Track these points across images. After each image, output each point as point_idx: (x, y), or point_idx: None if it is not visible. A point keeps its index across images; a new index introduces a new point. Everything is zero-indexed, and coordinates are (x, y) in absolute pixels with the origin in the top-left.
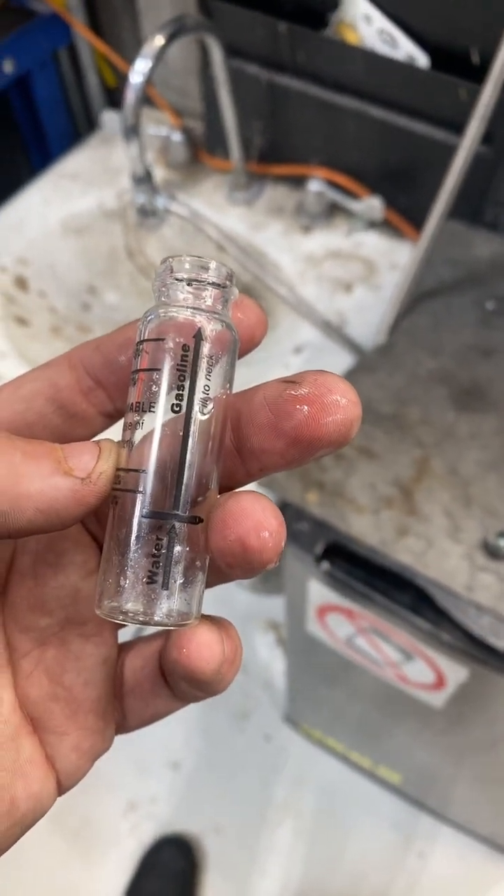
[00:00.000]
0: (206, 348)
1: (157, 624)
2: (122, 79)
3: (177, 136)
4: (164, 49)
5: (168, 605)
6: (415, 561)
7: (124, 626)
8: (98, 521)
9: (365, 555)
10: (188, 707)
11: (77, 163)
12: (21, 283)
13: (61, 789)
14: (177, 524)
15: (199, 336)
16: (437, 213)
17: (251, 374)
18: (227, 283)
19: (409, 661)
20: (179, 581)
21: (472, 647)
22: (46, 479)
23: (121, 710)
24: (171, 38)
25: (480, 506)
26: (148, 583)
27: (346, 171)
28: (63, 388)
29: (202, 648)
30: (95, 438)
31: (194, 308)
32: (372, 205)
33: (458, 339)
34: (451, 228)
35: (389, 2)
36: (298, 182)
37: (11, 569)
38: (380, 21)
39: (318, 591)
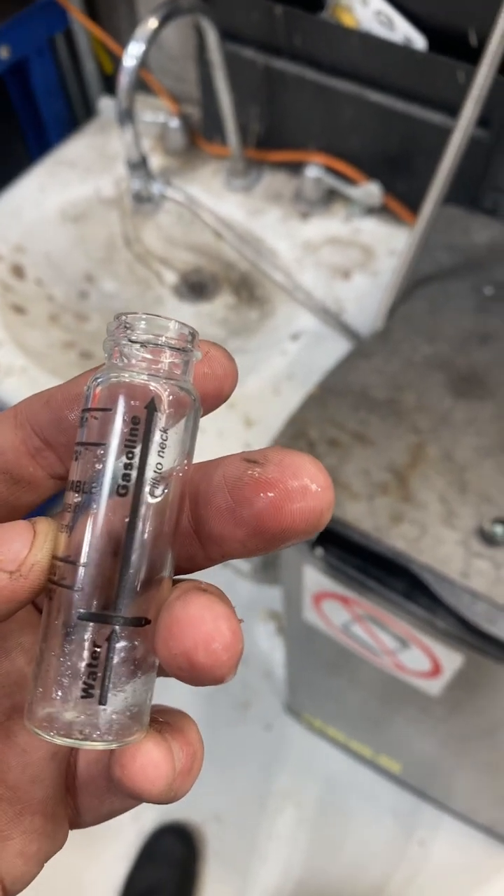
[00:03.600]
0: (160, 420)
1: (94, 743)
2: (120, 65)
3: (174, 123)
4: (157, 32)
5: (106, 721)
6: (409, 547)
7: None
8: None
9: (359, 541)
10: (189, 696)
11: (74, 150)
12: (18, 270)
13: (7, 895)
14: (117, 628)
15: (151, 406)
16: (433, 198)
17: (248, 362)
18: (188, 345)
19: (405, 648)
20: (120, 693)
21: (468, 634)
22: None
23: (74, 807)
24: (164, 21)
25: (476, 492)
26: (83, 696)
27: (343, 156)
28: (7, 450)
29: (147, 768)
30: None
31: (150, 374)
32: (370, 191)
33: (455, 325)
34: (449, 213)
35: None
36: (296, 168)
37: None
38: (376, 3)
39: (314, 578)
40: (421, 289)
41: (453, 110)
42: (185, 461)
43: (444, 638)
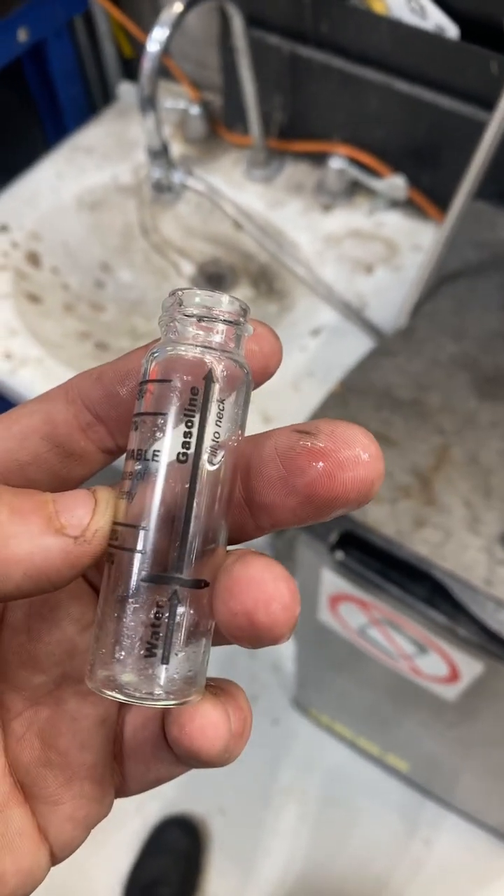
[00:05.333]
0: (216, 391)
1: (155, 701)
2: (140, 49)
3: (195, 110)
4: (182, 16)
5: (168, 680)
6: (432, 553)
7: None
8: (98, 570)
9: (381, 545)
10: None
11: (92, 136)
12: (33, 258)
13: (55, 861)
14: (179, 589)
15: (209, 378)
16: (463, 193)
17: None
18: (241, 319)
19: (423, 654)
20: (181, 653)
21: (489, 642)
22: (36, 540)
23: (120, 774)
24: (189, 6)
25: (501, 497)
26: (146, 655)
27: (368, 147)
28: (60, 424)
29: (206, 728)
30: (92, 485)
31: (205, 346)
32: (395, 184)
33: (482, 324)
34: (478, 209)
35: None
36: (319, 159)
37: (2, 623)
38: None
39: (332, 581)
40: (447, 286)
41: (484, 102)
42: (239, 431)
43: (464, 645)
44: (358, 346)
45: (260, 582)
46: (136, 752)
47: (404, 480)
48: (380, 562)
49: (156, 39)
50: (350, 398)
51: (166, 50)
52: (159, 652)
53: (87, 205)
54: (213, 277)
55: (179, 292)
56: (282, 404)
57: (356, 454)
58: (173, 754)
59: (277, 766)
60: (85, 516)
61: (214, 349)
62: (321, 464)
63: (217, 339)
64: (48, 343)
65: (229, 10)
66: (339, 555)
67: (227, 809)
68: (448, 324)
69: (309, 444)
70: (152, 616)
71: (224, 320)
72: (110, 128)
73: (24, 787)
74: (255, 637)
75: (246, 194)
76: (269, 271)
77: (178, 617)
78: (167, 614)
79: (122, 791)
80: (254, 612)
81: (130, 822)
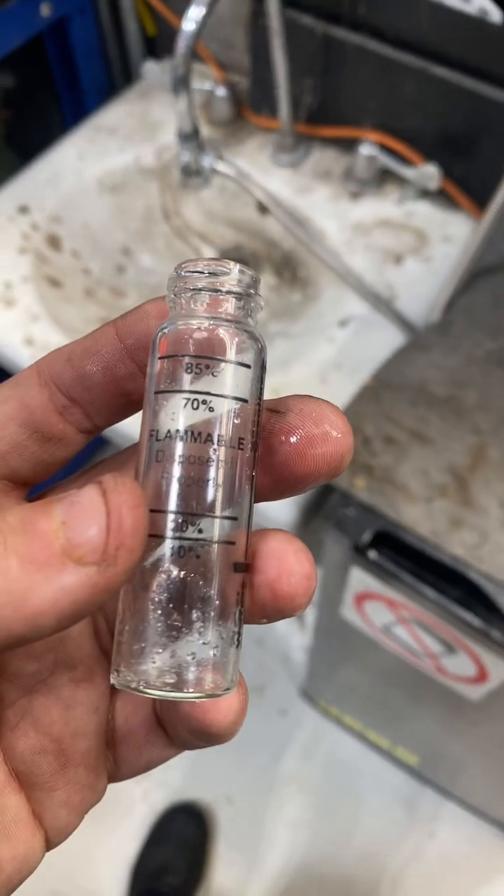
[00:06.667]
0: (229, 363)
1: (188, 694)
2: (163, 27)
3: (221, 92)
4: None
5: (202, 671)
6: (468, 554)
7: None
8: None
9: (416, 546)
10: None
11: (115, 116)
12: (54, 241)
13: (49, 846)
14: (214, 573)
15: (219, 349)
16: None
17: (292, 347)
18: (251, 290)
19: (451, 653)
20: (216, 645)
21: None
22: (55, 584)
23: (113, 760)
24: None
25: None
26: (175, 649)
27: (400, 134)
28: (36, 409)
29: (219, 701)
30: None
31: (213, 318)
32: (428, 172)
33: None
34: None
35: None
36: (347, 145)
37: None
38: None
39: (360, 579)
40: (482, 280)
41: None
42: (257, 402)
43: (497, 648)
44: (387, 338)
45: (282, 554)
46: (129, 737)
47: (440, 479)
48: (414, 562)
49: (192, 18)
50: (383, 393)
51: (202, 30)
52: (189, 644)
53: (108, 187)
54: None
55: (185, 264)
56: None
57: (325, 431)
58: (166, 738)
59: (285, 757)
60: (99, 535)
61: (225, 320)
62: (291, 442)
63: (225, 309)
64: (70, 329)
65: None
66: (373, 554)
67: (234, 798)
68: (485, 319)
69: (278, 423)
70: (185, 604)
71: (232, 292)
72: (133, 108)
73: (19, 775)
74: (277, 608)
75: (273, 179)
76: (293, 259)
77: (214, 604)
78: (201, 601)
79: (115, 776)
80: (277, 582)
81: (137, 809)
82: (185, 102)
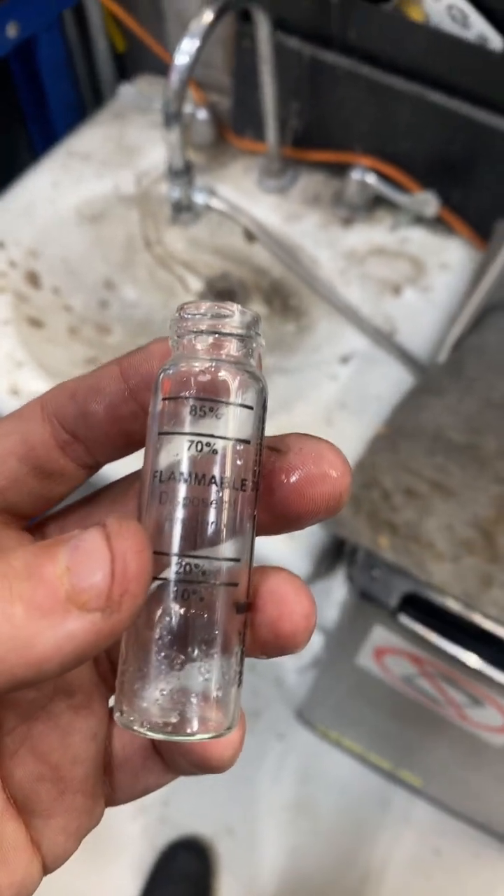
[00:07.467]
0: (231, 404)
1: (190, 736)
2: (134, 43)
3: (202, 114)
4: (213, 26)
5: (205, 712)
6: (502, 614)
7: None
8: None
9: (450, 609)
10: None
11: (89, 140)
12: (32, 278)
13: (46, 871)
14: (217, 614)
15: (222, 390)
16: None
17: (293, 385)
18: (250, 331)
19: (477, 705)
20: (218, 686)
21: None
22: (59, 631)
23: (110, 785)
24: (220, 14)
25: None
26: (178, 691)
27: (393, 160)
28: (37, 445)
29: (222, 739)
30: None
31: (215, 359)
32: (425, 200)
33: None
34: None
35: None
36: (336, 170)
37: None
38: None
39: (383, 636)
40: (493, 317)
41: None
42: (258, 443)
43: None
44: (391, 374)
45: (284, 594)
46: (126, 764)
47: (466, 534)
48: (442, 621)
49: (185, 51)
50: (399, 441)
51: (195, 63)
52: (192, 685)
53: (87, 217)
54: (223, 293)
55: (187, 305)
56: None
57: (324, 471)
58: (163, 764)
59: (284, 781)
60: (104, 581)
61: (227, 362)
62: (291, 482)
63: (229, 350)
64: (57, 373)
65: (255, 14)
66: (404, 618)
67: (234, 829)
68: (498, 360)
69: (279, 462)
70: (187, 646)
71: (233, 333)
72: (108, 131)
73: (18, 802)
74: (277, 646)
75: (260, 206)
76: (284, 287)
77: (215, 644)
78: (203, 642)
79: (112, 801)
80: (278, 622)
81: (136, 845)
82: (177, 137)
